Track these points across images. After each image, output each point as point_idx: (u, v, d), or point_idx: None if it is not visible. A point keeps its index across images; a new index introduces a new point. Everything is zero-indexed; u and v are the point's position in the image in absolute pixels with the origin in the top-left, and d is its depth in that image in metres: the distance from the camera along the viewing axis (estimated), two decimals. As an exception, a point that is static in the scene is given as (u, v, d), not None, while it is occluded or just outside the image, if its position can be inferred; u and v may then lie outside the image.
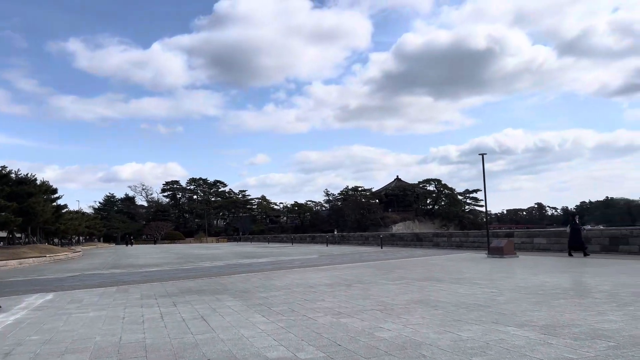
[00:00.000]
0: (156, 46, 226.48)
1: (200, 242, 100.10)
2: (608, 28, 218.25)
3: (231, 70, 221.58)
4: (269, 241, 73.98)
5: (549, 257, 20.43)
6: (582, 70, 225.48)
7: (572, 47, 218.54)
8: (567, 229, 21.33)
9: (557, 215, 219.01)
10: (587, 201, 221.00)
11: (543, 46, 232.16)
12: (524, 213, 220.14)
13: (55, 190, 46.83)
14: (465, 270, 16.00)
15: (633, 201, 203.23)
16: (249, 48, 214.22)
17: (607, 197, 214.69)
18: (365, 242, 46.30)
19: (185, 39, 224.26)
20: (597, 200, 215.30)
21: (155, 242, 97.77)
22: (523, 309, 8.10)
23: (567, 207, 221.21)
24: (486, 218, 23.89)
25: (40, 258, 30.11)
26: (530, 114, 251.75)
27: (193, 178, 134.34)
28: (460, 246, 31.82)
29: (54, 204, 46.46)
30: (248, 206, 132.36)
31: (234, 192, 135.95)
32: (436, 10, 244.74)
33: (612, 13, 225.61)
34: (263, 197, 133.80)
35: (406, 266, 18.34)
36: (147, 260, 31.15)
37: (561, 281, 11.97)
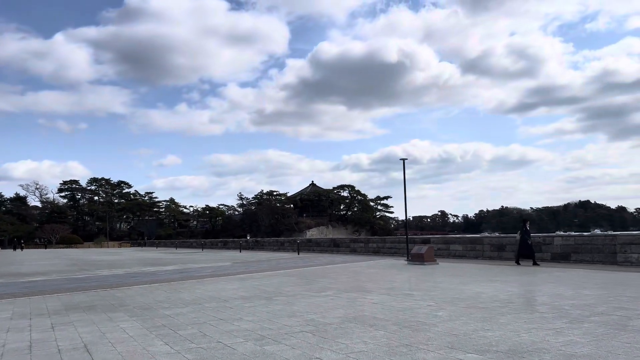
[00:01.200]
0: (59, 37, 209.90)
1: (101, 246, 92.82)
2: (505, 50, 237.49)
3: (141, 67, 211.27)
4: (176, 246, 69.98)
5: (467, 264, 20.31)
6: (482, 87, 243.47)
7: (474, 66, 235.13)
8: (517, 235, 19.91)
9: (458, 222, 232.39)
10: (485, 210, 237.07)
11: (449, 63, 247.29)
12: (429, 220, 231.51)
13: None
14: (390, 278, 15.13)
15: (524, 210, 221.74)
16: (161, 45, 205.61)
17: (502, 206, 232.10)
18: (280, 247, 44.85)
19: (92, 31, 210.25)
20: (494, 209, 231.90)
21: (45, 247, 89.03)
22: (473, 328, 7.12)
23: (467, 215, 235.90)
24: (406, 224, 23.56)
25: None
26: (436, 127, 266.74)
27: (94, 178, 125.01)
28: (377, 252, 31.43)
29: None
30: (155, 209, 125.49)
31: (139, 194, 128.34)
32: (351, 22, 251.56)
33: (510, 37, 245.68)
34: (172, 200, 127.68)
35: (329, 274, 17.17)
36: (33, 267, 27.34)
37: (495, 292, 11.35)
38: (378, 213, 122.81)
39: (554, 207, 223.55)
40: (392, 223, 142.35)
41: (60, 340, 7.14)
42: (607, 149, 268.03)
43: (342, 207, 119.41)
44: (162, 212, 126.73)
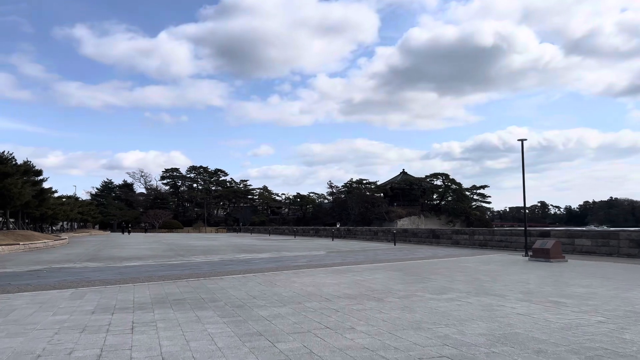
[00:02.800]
0: (163, 35, 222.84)
1: (199, 232, 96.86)
2: (615, 28, 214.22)
3: (236, 61, 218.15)
4: (269, 233, 70.71)
5: (605, 263, 17.04)
6: (587, 69, 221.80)
7: (579, 47, 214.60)
8: None
9: (560, 214, 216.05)
10: (590, 201, 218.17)
11: (550, 44, 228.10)
12: (527, 211, 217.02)
13: (39, 172, 43.44)
14: (517, 278, 12.61)
15: (637, 202, 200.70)
16: (255, 39, 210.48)
17: (611, 197, 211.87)
18: (374, 237, 42.92)
19: (191, 28, 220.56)
20: (601, 201, 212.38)
21: (145, 231, 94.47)
22: None
23: (570, 207, 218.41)
24: (524, 214, 20.50)
25: (13, 246, 26.82)
26: (535, 113, 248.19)
27: (193, 166, 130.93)
28: (484, 245, 28.42)
29: (38, 186, 43.02)
30: (249, 196, 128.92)
31: (235, 182, 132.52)
32: (443, 6, 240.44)
33: (620, 13, 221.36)
34: (265, 188, 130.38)
35: (439, 270, 14.95)
36: (133, 251, 27.85)
37: (681, 304, 8.56)
38: (474, 203, 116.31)
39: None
40: (487, 214, 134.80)
41: (136, 348, 5.77)
42: None
43: (434, 197, 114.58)
44: (255, 199, 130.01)
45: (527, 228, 22.49)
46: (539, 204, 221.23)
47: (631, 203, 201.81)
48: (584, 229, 23.52)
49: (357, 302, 9.03)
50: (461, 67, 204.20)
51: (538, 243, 18.64)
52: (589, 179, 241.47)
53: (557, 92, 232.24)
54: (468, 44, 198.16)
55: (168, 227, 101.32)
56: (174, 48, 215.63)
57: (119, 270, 16.11)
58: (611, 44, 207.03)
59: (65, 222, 75.42)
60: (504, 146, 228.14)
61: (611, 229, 24.25)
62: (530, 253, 19.57)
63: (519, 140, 21.39)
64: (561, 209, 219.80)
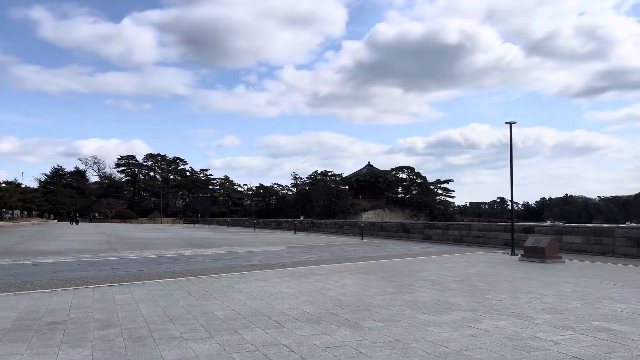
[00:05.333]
0: (126, 20, 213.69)
1: (154, 222, 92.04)
2: (573, 31, 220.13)
3: (202, 50, 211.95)
4: (228, 225, 66.98)
5: (607, 264, 14.67)
6: (546, 70, 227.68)
7: (539, 48, 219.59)
8: None
9: (518, 209, 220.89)
10: (546, 197, 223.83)
11: (512, 45, 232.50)
12: (486, 206, 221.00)
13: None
14: (525, 287, 9.92)
15: (590, 199, 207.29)
16: (221, 28, 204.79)
17: (566, 194, 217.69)
18: (339, 230, 40.12)
19: (156, 15, 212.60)
20: (557, 197, 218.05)
21: (91, 220, 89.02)
22: None
23: (527, 203, 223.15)
24: (512, 207, 18.01)
25: None
26: (496, 111, 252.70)
27: (151, 154, 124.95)
28: (459, 241, 26.00)
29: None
30: (210, 187, 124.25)
31: (194, 171, 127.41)
32: (410, 3, 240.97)
33: (578, 17, 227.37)
34: (226, 178, 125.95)
35: (422, 274, 12.13)
36: (61, 244, 24.02)
37: None
38: (438, 197, 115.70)
39: (623, 196, 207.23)
40: (452, 208, 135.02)
41: None
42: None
43: (400, 190, 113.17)
44: (216, 189, 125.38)
45: (509, 224, 20.14)
46: (499, 200, 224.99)
47: (585, 200, 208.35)
48: (573, 225, 21.32)
49: (323, 331, 6.03)
50: (426, 64, 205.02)
51: (530, 240, 16.14)
52: (545, 176, 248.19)
53: (518, 91, 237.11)
54: (433, 42, 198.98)
55: (121, 217, 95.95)
56: (138, 34, 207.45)
57: (17, 270, 12.58)
58: (569, 47, 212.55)
59: (4, 210, 69.39)
60: (465, 142, 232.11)
61: (605, 225, 22.16)
62: (520, 252, 17.11)
63: (507, 123, 18.85)
64: (519, 205, 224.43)
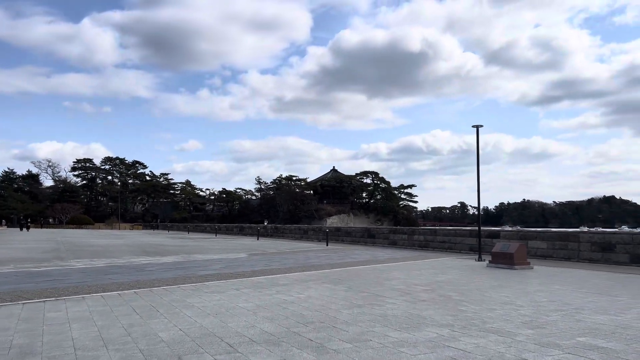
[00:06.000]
0: (86, 21, 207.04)
1: (111, 228, 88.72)
2: (529, 42, 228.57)
3: (165, 52, 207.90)
4: (189, 231, 65.03)
5: (575, 270, 14.43)
6: (505, 79, 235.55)
7: (497, 57, 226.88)
8: None
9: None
10: (505, 202, 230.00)
11: (472, 54, 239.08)
12: (447, 211, 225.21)
13: None
14: (498, 296, 9.39)
15: (546, 204, 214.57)
16: (185, 30, 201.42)
17: (523, 199, 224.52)
18: (304, 236, 39.30)
19: (116, 16, 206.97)
20: (515, 202, 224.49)
21: (41, 226, 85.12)
22: None
23: (487, 207, 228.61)
24: (478, 212, 17.70)
25: None
26: (457, 118, 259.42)
27: (109, 157, 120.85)
28: (425, 247, 25.64)
29: None
30: (170, 191, 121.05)
31: (155, 175, 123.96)
32: (374, 10, 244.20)
33: (534, 28, 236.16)
34: (187, 182, 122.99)
35: (391, 282, 11.46)
36: (5, 252, 22.24)
37: None
38: (401, 202, 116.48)
39: (577, 201, 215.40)
40: (415, 213, 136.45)
41: None
42: (631, 145, 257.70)
43: (364, 195, 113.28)
44: (177, 194, 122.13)
45: (474, 228, 19.84)
46: (459, 205, 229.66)
47: (541, 205, 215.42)
48: (539, 230, 21.23)
49: (282, 356, 5.21)
50: (390, 71, 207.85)
51: (498, 246, 15.78)
52: (504, 181, 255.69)
53: (478, 99, 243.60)
54: (397, 49, 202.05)
55: (77, 223, 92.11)
56: (97, 35, 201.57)
57: (-59, 284, 11.20)
58: (526, 57, 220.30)
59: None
60: (427, 148, 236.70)
61: (571, 230, 22.21)
62: (487, 257, 16.76)
63: (473, 126, 18.57)
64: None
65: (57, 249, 24.51)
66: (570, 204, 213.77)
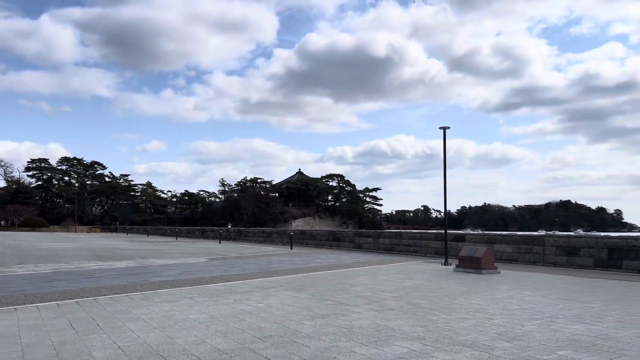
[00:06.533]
0: (45, 17, 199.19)
1: (68, 230, 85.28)
2: (491, 50, 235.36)
3: (127, 51, 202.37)
4: (148, 234, 62.99)
5: (541, 274, 14.26)
6: (467, 86, 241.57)
7: (460, 64, 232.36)
8: None
9: (440, 217, 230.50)
10: (467, 206, 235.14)
11: (436, 60, 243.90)
12: (411, 214, 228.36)
13: None
14: (469, 304, 8.95)
15: (506, 208, 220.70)
16: (148, 29, 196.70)
17: (484, 203, 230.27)
18: (267, 239, 38.44)
19: (76, 12, 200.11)
20: (476, 206, 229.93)
21: None
22: None
23: (449, 211, 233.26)
24: (445, 214, 17.37)
25: None
26: (421, 123, 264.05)
27: (66, 157, 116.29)
28: (390, 250, 25.29)
29: None
30: (131, 193, 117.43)
31: (114, 176, 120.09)
32: (340, 15, 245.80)
33: (496, 37, 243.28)
34: (149, 184, 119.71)
35: (356, 289, 10.88)
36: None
37: None
38: (367, 205, 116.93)
39: (535, 205, 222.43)
40: (380, 216, 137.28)
41: None
42: (586, 151, 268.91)
43: (330, 198, 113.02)
44: (138, 196, 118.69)
45: (429, 231, 19.57)
46: (422, 208, 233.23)
47: (501, 209, 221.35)
48: (504, 233, 21.16)
49: (233, 380, 4.52)
50: (356, 75, 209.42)
51: (465, 250, 15.48)
52: (466, 186, 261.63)
53: (441, 104, 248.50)
54: (363, 53, 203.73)
55: (31, 225, 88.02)
56: (57, 32, 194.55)
57: None
58: (487, 64, 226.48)
59: None
60: (392, 153, 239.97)
61: (535, 233, 22.25)
62: (453, 261, 16.45)
63: (440, 128, 18.29)
64: (441, 213, 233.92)
65: (2, 253, 22.89)
66: (528, 208, 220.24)
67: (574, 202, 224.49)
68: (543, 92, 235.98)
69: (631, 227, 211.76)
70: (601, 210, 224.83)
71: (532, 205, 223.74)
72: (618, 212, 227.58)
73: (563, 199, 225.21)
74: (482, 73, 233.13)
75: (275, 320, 7.29)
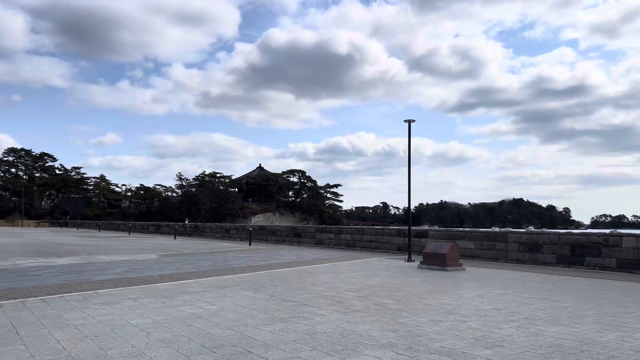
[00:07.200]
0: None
1: (13, 225, 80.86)
2: (449, 51, 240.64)
3: (82, 40, 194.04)
4: (100, 228, 60.28)
5: (508, 271, 13.95)
6: (426, 85, 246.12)
7: (420, 64, 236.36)
8: None
9: (399, 214, 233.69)
10: (424, 203, 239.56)
11: (397, 59, 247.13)
12: (370, 211, 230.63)
13: None
14: (439, 304, 8.37)
15: (462, 205, 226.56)
16: (105, 18, 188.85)
17: (441, 200, 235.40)
18: (225, 235, 37.23)
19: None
20: (433, 203, 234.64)
21: None
22: None
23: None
24: (409, 210, 16.92)
25: None
26: (381, 121, 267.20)
27: (13, 148, 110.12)
28: (352, 246, 24.73)
29: None
30: (83, 186, 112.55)
31: (66, 169, 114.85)
32: (303, 11, 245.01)
33: (454, 38, 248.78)
34: (102, 177, 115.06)
35: (318, 287, 10.14)
36: None
37: None
38: (327, 201, 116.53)
39: (489, 203, 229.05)
40: (340, 212, 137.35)
41: None
42: (537, 151, 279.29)
43: (290, 194, 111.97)
44: (90, 190, 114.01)
45: (392, 227, 19.13)
46: (382, 205, 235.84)
47: (457, 206, 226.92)
48: (466, 229, 20.95)
49: (171, 406, 3.66)
50: (317, 72, 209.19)
51: (430, 246, 15.01)
52: (424, 183, 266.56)
53: (401, 103, 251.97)
54: (324, 50, 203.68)
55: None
56: (6, 18, 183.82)
57: None
58: (446, 65, 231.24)
59: None
60: (353, 150, 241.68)
61: (498, 230, 22.19)
62: (417, 258, 15.99)
63: (405, 121, 17.80)
64: (400, 210, 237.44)
65: None
66: (483, 206, 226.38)
67: (526, 200, 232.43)
68: (498, 93, 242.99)
69: (578, 225, 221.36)
70: (551, 208, 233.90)
71: (486, 203, 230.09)
72: (567, 210, 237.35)
73: (516, 197, 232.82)
74: (441, 73, 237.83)
75: (228, 326, 6.45)
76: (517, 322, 6.92)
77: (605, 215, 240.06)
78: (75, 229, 63.94)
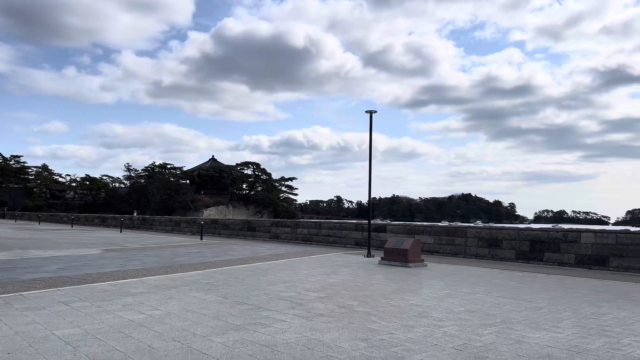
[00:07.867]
0: None
1: (-57, 217, 75.17)
2: (403, 48, 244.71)
3: (26, 23, 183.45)
4: (40, 220, 56.83)
5: (465, 266, 13.62)
6: (380, 81, 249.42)
7: (374, 60, 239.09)
8: None
9: (352, 208, 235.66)
10: (377, 197, 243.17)
11: (352, 55, 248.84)
12: (325, 204, 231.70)
13: None
14: (407, 305, 7.77)
15: (413, 200, 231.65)
16: (51, 1, 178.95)
17: (393, 194, 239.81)
18: (175, 228, 35.65)
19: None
20: (386, 197, 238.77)
21: None
22: None
23: (361, 202, 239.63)
24: (370, 203, 16.27)
25: None
26: (336, 116, 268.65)
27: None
28: (309, 240, 24.02)
29: None
30: (23, 176, 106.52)
31: (4, 157, 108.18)
32: (258, 2, 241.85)
33: (408, 35, 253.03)
34: (44, 167, 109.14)
35: (275, 287, 9.32)
36: None
37: None
38: (282, 195, 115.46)
39: (439, 198, 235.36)
40: (295, 205, 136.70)
41: None
42: (485, 148, 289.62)
43: (244, 186, 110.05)
44: (31, 179, 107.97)
45: (349, 221, 18.57)
46: (336, 198, 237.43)
47: (409, 200, 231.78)
48: (425, 224, 20.66)
49: None
50: (273, 64, 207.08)
51: (392, 242, 14.49)
52: (377, 178, 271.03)
53: (356, 99, 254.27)
54: (280, 43, 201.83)
55: None
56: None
57: None
58: (400, 62, 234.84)
59: None
60: (308, 144, 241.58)
61: (459, 224, 22.00)
62: (376, 253, 15.43)
63: (367, 112, 17.19)
64: (353, 204, 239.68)
65: None
66: (433, 200, 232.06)
67: (474, 195, 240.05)
68: (449, 91, 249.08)
69: (523, 220, 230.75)
70: (497, 203, 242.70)
71: (436, 198, 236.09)
72: (512, 206, 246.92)
73: (464, 192, 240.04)
74: (395, 70, 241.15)
75: (173, 336, 5.54)
76: (495, 326, 6.37)
77: (547, 211, 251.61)
78: (13, 221, 60.04)
